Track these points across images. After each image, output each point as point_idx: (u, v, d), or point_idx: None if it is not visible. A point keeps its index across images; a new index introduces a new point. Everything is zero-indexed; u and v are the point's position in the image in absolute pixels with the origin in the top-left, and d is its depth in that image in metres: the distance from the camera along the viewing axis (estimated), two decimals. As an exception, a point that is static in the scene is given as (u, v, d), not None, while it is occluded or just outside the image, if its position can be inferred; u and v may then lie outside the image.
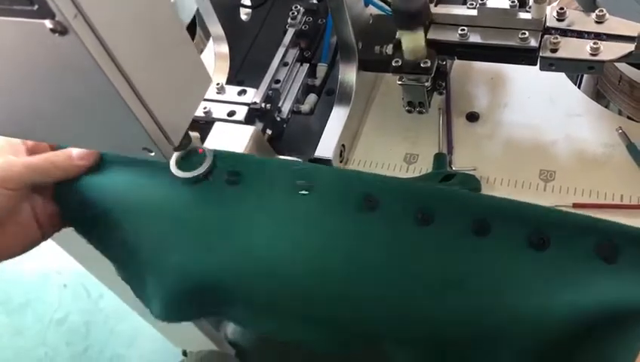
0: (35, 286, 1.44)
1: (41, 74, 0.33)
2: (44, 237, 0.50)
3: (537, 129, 0.59)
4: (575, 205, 0.54)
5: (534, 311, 0.38)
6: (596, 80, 0.64)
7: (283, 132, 0.62)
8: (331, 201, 0.44)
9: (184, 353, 1.31)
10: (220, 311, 0.49)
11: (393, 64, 0.55)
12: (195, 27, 0.80)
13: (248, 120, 0.59)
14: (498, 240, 0.40)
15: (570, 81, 0.63)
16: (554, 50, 0.51)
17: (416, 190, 0.43)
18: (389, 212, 0.42)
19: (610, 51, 0.49)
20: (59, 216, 0.50)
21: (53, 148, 0.49)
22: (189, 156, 0.46)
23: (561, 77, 0.62)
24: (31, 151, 0.48)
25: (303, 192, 0.44)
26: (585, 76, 0.67)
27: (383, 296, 0.42)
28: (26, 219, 0.47)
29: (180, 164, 0.46)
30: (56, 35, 0.28)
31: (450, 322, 0.41)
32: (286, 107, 0.62)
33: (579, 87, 0.65)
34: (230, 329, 1.28)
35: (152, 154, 0.37)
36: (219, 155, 0.47)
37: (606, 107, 0.61)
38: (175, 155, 0.46)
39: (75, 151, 0.47)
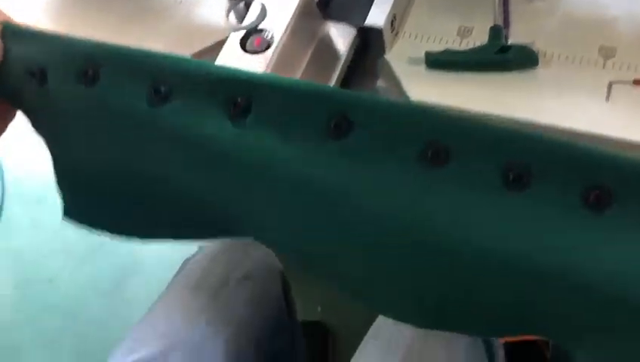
0: (49, 182, 1.44)
1: None
2: None
3: (599, 3, 0.56)
4: (635, 81, 0.52)
5: None
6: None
7: (332, -3, 0.59)
8: (471, 176, 0.37)
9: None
10: None
11: None
12: None
13: (297, -18, 0.56)
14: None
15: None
16: None
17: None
18: (543, 192, 0.36)
19: None
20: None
21: None
22: None
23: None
24: None
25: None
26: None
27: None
28: None
29: None
30: None
31: None
32: (336, -28, 0.59)
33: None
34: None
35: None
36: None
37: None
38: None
39: None
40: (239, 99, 0.38)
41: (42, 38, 0.44)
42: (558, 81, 0.53)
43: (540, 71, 0.54)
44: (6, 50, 0.43)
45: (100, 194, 0.51)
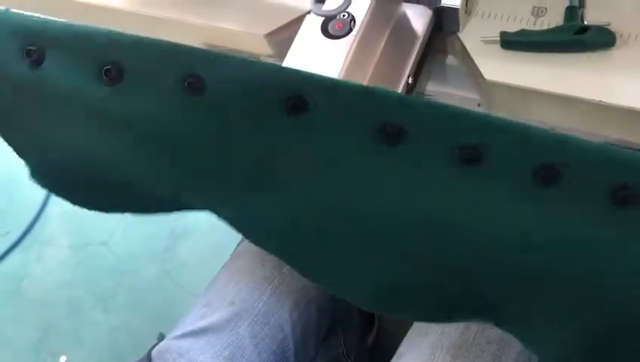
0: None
1: None
2: None
3: (679, -18, 0.56)
4: None
5: None
6: None
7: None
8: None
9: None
10: None
11: None
12: None
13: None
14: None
15: None
16: None
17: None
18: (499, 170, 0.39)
19: None
20: None
21: None
22: None
23: None
24: None
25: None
26: None
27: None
28: None
29: None
30: None
31: None
32: (411, -49, 0.59)
33: None
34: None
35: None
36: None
37: None
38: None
39: None
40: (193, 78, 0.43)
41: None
42: (636, 63, 0.53)
43: (616, 52, 0.54)
44: None
45: (53, 166, 0.55)
